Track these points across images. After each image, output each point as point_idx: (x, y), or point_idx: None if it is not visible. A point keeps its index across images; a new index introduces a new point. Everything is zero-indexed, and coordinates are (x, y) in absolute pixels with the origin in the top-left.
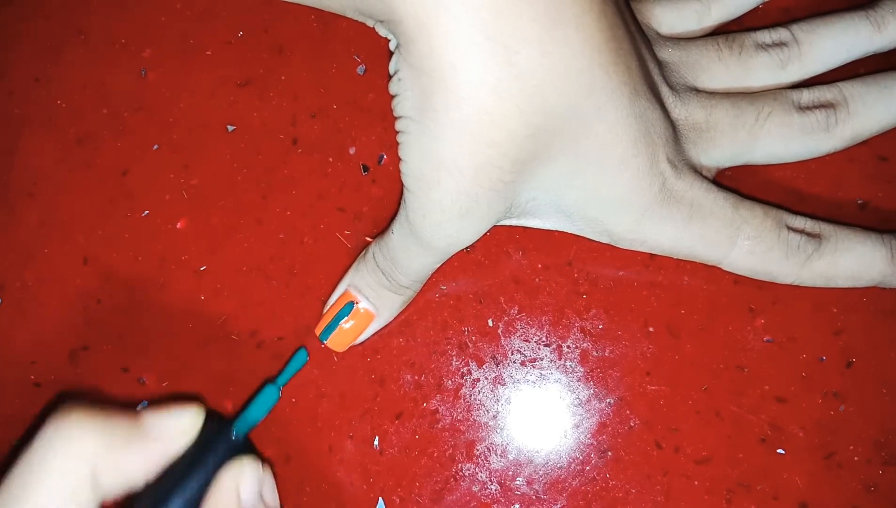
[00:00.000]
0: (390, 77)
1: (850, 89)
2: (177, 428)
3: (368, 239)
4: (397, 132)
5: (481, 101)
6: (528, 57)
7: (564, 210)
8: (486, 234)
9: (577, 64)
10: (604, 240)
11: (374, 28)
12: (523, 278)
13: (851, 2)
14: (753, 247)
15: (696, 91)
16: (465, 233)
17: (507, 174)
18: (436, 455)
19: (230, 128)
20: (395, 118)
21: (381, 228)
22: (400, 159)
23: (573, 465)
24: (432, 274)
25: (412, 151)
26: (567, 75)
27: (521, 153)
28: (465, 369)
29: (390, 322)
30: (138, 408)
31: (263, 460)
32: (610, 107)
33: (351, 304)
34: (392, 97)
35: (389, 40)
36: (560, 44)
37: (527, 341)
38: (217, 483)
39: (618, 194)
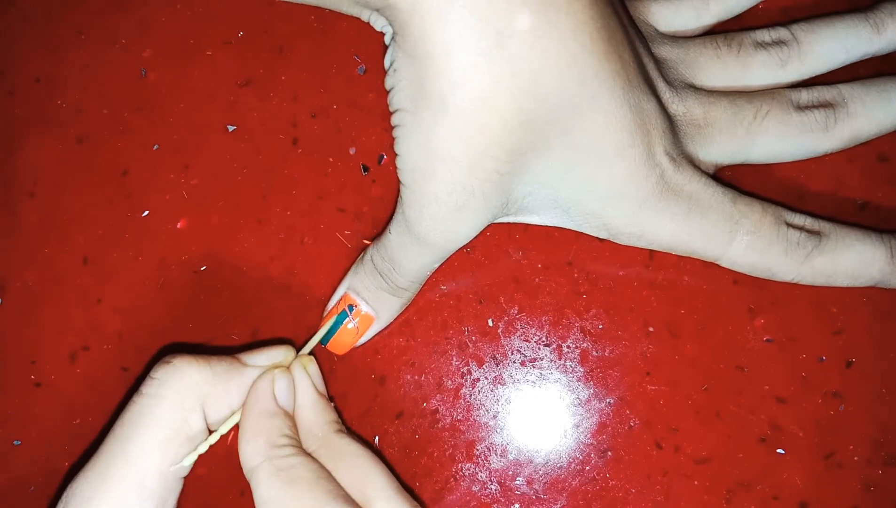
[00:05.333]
0: (386, 72)
1: (849, 90)
2: (272, 360)
3: (367, 241)
4: (393, 127)
5: (474, 85)
6: (519, 41)
7: (562, 204)
8: (485, 233)
9: (569, 50)
10: (602, 235)
11: (369, 21)
12: (523, 277)
13: (851, 4)
14: (752, 242)
15: (695, 88)
16: (462, 227)
17: (502, 165)
18: (436, 454)
19: (230, 128)
20: (391, 113)
21: (381, 228)
22: (396, 155)
23: (573, 465)
24: (432, 274)
25: (407, 143)
26: (559, 61)
27: (515, 142)
28: (466, 369)
29: (390, 323)
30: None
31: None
32: (603, 95)
33: (350, 307)
34: (388, 92)
35: (385, 34)
36: (551, 29)
37: (527, 341)
38: (254, 384)
39: (615, 186)
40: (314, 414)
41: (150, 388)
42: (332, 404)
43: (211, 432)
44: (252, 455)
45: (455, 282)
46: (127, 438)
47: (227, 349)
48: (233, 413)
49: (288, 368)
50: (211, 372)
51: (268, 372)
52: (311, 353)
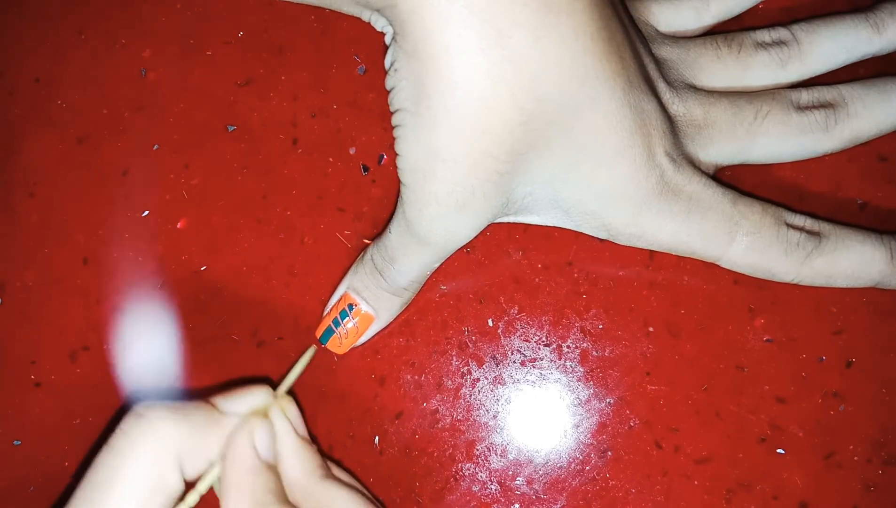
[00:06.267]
0: (387, 72)
1: (849, 91)
2: (250, 405)
3: (367, 241)
4: (394, 127)
5: (475, 85)
6: (520, 41)
7: (562, 205)
8: (485, 233)
9: (570, 51)
10: (602, 235)
11: (369, 22)
12: (523, 277)
13: (851, 3)
14: (752, 243)
15: (695, 89)
16: (462, 227)
17: (502, 165)
18: (436, 454)
19: (230, 128)
20: (392, 113)
21: (381, 228)
22: (396, 155)
23: (573, 465)
24: (432, 274)
25: (408, 143)
26: (560, 62)
27: (515, 142)
28: (465, 368)
29: (390, 323)
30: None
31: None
32: (604, 96)
33: (350, 307)
34: (388, 92)
35: (385, 34)
36: (552, 29)
37: (527, 340)
38: (232, 439)
39: (615, 186)
40: (298, 462)
41: (120, 442)
42: (316, 446)
43: (187, 484)
44: None
45: (455, 282)
46: (100, 500)
47: (201, 392)
48: (211, 466)
49: (266, 413)
50: (187, 426)
51: (246, 423)
52: (289, 391)
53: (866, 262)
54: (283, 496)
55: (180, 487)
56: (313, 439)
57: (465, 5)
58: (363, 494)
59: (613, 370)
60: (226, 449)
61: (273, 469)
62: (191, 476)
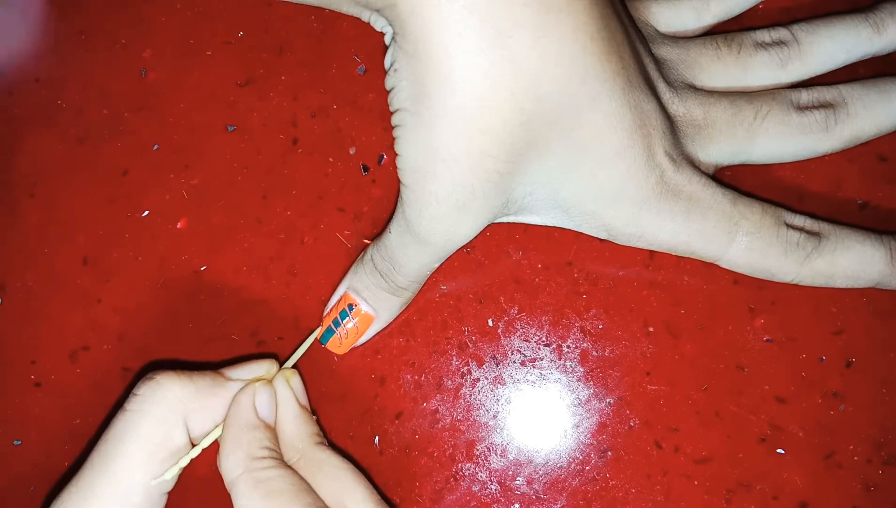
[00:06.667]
0: (387, 72)
1: (849, 91)
2: (255, 374)
3: (367, 241)
4: (394, 127)
5: (474, 85)
6: (520, 41)
7: (562, 205)
8: (485, 233)
9: (570, 51)
10: (602, 235)
11: (369, 22)
12: (523, 277)
13: (851, 3)
14: (752, 243)
15: (695, 89)
16: (463, 227)
17: (502, 164)
18: (436, 454)
19: (230, 128)
20: (392, 113)
21: (381, 228)
22: (396, 155)
23: (573, 465)
24: (432, 274)
25: (408, 143)
26: (560, 62)
27: (515, 142)
28: (465, 368)
29: (390, 323)
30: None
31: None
32: (604, 96)
33: (350, 307)
34: (388, 92)
35: (385, 35)
36: (552, 29)
37: (527, 340)
38: (235, 398)
39: (615, 186)
40: (295, 427)
41: (132, 405)
42: (315, 417)
43: (195, 445)
44: (232, 467)
45: (455, 282)
46: (110, 454)
47: (211, 365)
48: (216, 427)
49: (270, 381)
50: (193, 387)
51: (249, 386)
52: (295, 366)
53: (866, 262)
54: (277, 454)
55: (185, 444)
56: (313, 411)
57: (465, 5)
58: (355, 469)
59: (613, 370)
60: (229, 406)
61: (271, 429)
62: (197, 436)
